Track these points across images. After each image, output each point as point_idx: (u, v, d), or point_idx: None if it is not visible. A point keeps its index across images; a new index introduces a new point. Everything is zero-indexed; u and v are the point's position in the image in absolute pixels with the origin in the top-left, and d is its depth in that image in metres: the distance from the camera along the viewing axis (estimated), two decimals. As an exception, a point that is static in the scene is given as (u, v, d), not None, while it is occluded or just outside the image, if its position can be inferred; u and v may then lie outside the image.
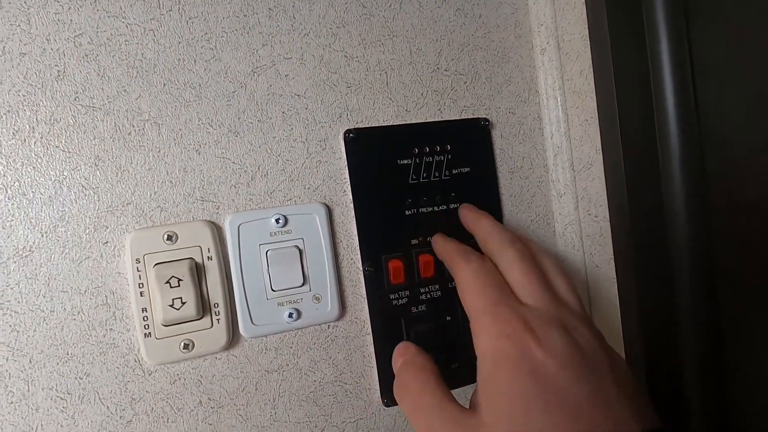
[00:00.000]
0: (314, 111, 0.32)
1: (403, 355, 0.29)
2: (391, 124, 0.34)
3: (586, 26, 0.34)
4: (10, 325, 0.27)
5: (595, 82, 0.34)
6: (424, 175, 0.34)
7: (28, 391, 0.27)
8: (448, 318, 0.34)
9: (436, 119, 0.35)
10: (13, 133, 0.27)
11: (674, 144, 0.31)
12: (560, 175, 0.37)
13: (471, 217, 0.32)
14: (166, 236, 0.28)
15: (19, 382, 0.27)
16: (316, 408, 0.32)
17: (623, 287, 0.34)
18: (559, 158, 0.37)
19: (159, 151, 0.29)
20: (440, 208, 0.34)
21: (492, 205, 0.36)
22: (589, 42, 0.34)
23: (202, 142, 0.30)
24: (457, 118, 0.36)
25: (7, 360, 0.27)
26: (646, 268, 0.32)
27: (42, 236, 0.27)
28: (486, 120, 0.36)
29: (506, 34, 0.37)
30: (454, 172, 0.35)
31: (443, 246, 0.31)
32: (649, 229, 0.32)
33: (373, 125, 0.33)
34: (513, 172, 0.37)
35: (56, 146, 0.28)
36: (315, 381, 0.32)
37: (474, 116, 0.36)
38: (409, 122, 0.34)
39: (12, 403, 0.27)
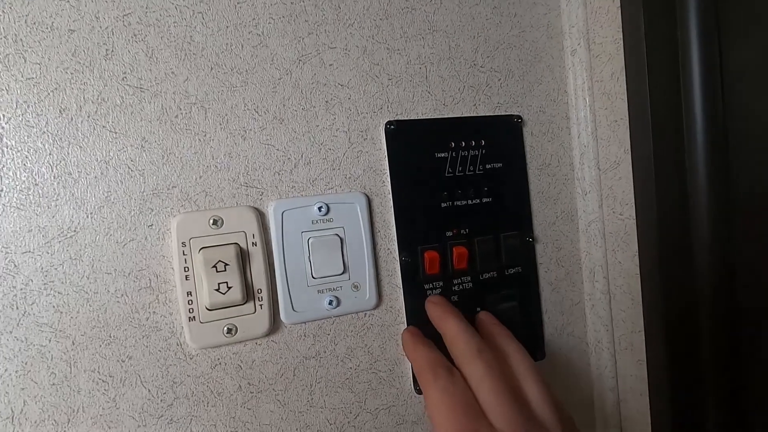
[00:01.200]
0: (356, 101, 0.32)
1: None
2: (429, 117, 0.34)
3: (620, 30, 0.35)
4: (54, 306, 0.26)
5: (627, 85, 0.35)
6: (460, 168, 0.35)
7: (71, 372, 0.27)
8: (478, 309, 0.35)
9: (472, 114, 0.36)
10: (60, 111, 0.26)
11: (701, 146, 0.33)
12: (586, 174, 0.38)
13: (437, 315, 0.31)
14: (212, 221, 0.28)
15: (61, 363, 0.26)
16: (351, 395, 0.32)
17: (647, 282, 0.35)
18: (585, 157, 0.38)
19: (205, 135, 0.29)
20: (474, 201, 0.35)
21: (522, 201, 0.37)
22: (622, 45, 0.35)
23: (248, 128, 0.30)
24: (491, 114, 0.36)
25: (49, 341, 0.26)
26: (670, 263, 0.33)
27: (87, 217, 0.27)
28: (518, 117, 0.37)
29: (539, 35, 0.38)
30: (488, 166, 0.36)
31: (412, 351, 0.31)
32: (674, 226, 0.33)
33: (412, 118, 0.34)
34: (541, 168, 0.38)
35: (103, 126, 0.27)
36: (351, 368, 0.32)
37: (507, 113, 0.37)
38: (446, 116, 0.35)
39: (54, 384, 0.26)
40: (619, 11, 0.35)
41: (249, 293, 0.29)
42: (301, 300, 0.30)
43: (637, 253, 0.36)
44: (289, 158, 0.31)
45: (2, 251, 0.25)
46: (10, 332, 0.26)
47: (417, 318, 0.33)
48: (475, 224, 0.35)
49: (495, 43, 0.37)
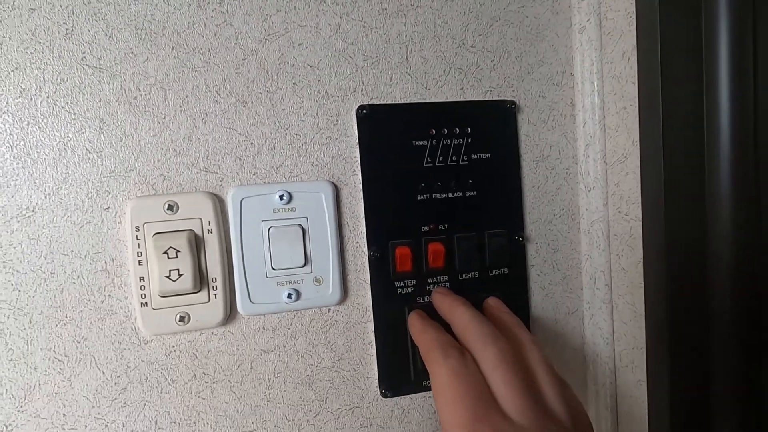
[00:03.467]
0: (327, 84, 0.30)
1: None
2: (408, 102, 0.32)
3: (633, 1, 0.30)
4: (12, 284, 0.27)
5: (638, 66, 0.30)
6: (440, 158, 0.32)
7: (27, 350, 0.27)
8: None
9: (458, 99, 0.33)
10: (20, 92, 0.26)
11: (724, 141, 0.28)
12: (590, 168, 0.34)
13: (446, 304, 0.29)
14: (166, 206, 0.28)
15: (19, 340, 0.27)
16: (312, 392, 0.31)
17: (650, 295, 0.31)
18: (590, 149, 0.34)
19: (164, 117, 0.28)
20: (455, 195, 0.32)
21: (512, 196, 0.34)
22: (635, 20, 0.30)
23: (209, 111, 0.29)
24: (481, 99, 0.33)
25: (8, 318, 0.27)
26: (678, 277, 0.29)
27: (45, 197, 0.27)
28: (512, 103, 0.33)
29: (542, 9, 0.34)
30: (473, 157, 0.33)
31: (421, 332, 0.28)
32: (686, 234, 0.29)
33: (388, 102, 0.31)
34: (538, 161, 0.34)
35: (62, 107, 0.27)
36: (312, 365, 0.31)
37: (499, 98, 0.33)
38: (428, 101, 0.32)
39: (12, 360, 0.27)
40: (634, -21, 0.30)
41: (202, 282, 0.28)
42: (259, 292, 0.29)
43: (642, 260, 0.31)
44: (251, 143, 0.29)
45: (-36, 228, 0.26)
46: (-29, 307, 0.26)
47: (386, 317, 0.31)
48: (455, 220, 0.32)
49: (489, 19, 0.33)
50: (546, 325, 0.35)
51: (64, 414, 0.28)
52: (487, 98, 0.33)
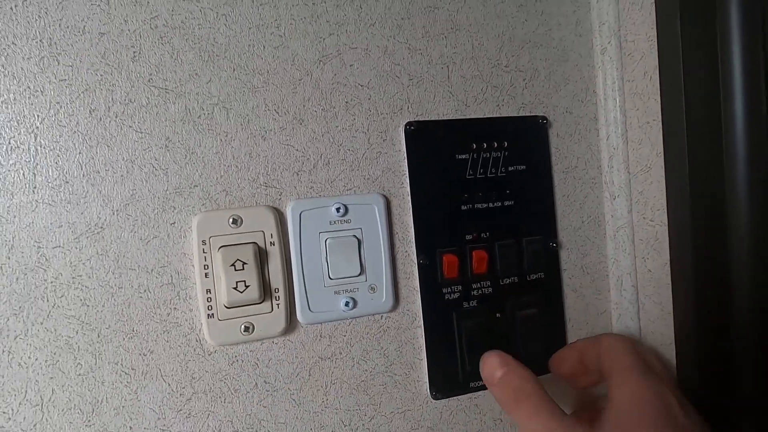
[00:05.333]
0: (376, 102, 0.32)
1: (505, 364, 0.28)
2: (450, 118, 0.34)
3: (654, 27, 0.33)
4: (81, 299, 0.27)
5: (660, 85, 0.33)
6: (481, 170, 0.34)
7: (95, 364, 0.27)
8: (498, 315, 0.34)
9: (495, 115, 0.35)
10: (90, 112, 0.27)
11: (741, 150, 0.31)
12: (615, 177, 0.37)
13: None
14: (231, 220, 0.29)
15: (87, 355, 0.27)
16: (366, 397, 0.32)
17: (678, 294, 0.33)
18: (614, 160, 0.37)
19: (226, 135, 0.29)
20: (495, 204, 0.34)
21: (546, 205, 0.36)
22: (656, 43, 0.33)
23: (268, 128, 0.30)
24: (515, 114, 0.35)
25: (76, 333, 0.27)
26: (704, 273, 0.32)
27: (113, 214, 0.28)
28: (544, 118, 0.36)
29: (567, 32, 0.37)
30: (510, 169, 0.35)
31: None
32: (710, 236, 0.31)
33: (433, 118, 0.33)
34: (567, 171, 0.37)
35: (129, 126, 0.28)
36: (366, 370, 0.32)
37: (532, 114, 0.36)
38: (468, 117, 0.34)
39: (80, 375, 0.27)
40: (653, 6, 0.33)
41: (266, 292, 0.29)
42: (318, 300, 0.30)
43: (669, 262, 0.34)
44: (308, 158, 0.31)
45: (35, 246, 0.27)
46: (41, 323, 0.27)
47: (435, 322, 0.33)
48: (496, 228, 0.34)
49: (520, 41, 0.36)
50: (578, 326, 0.37)
51: (130, 427, 0.28)
52: (521, 114, 0.36)
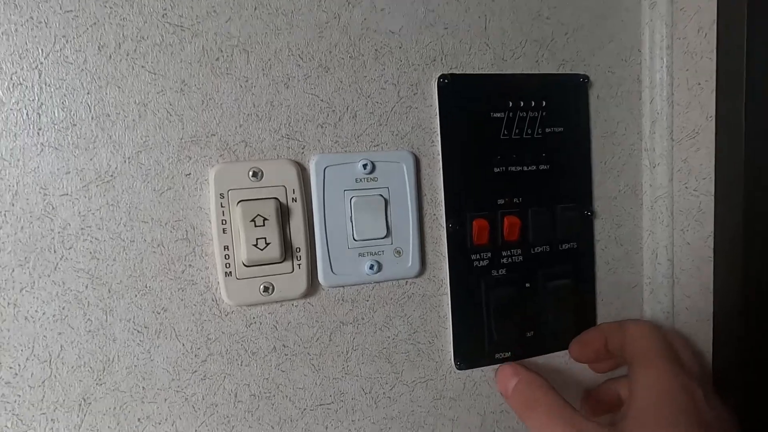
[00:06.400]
0: (408, 51, 0.30)
1: (517, 374, 0.29)
2: (486, 72, 0.31)
3: (713, -23, 0.30)
4: (90, 252, 0.25)
5: (717, 42, 0.30)
6: (516, 131, 0.32)
7: (106, 320, 0.26)
8: (527, 285, 0.32)
9: (533, 71, 0.32)
10: (99, 48, 0.25)
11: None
12: (656, 144, 0.34)
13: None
14: (251, 173, 0.27)
15: (97, 310, 0.26)
16: (388, 365, 0.31)
17: (720, 266, 0.31)
18: (657, 125, 0.34)
19: (246, 81, 0.27)
20: (530, 168, 0.32)
21: (582, 171, 0.34)
22: (716, -5, 0.30)
23: (291, 75, 0.28)
24: (555, 72, 0.33)
25: (86, 287, 0.26)
26: (753, 247, 0.30)
27: (125, 162, 0.26)
28: (585, 77, 0.33)
29: (614, -16, 0.34)
30: (548, 130, 0.32)
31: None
32: (762, 206, 0.29)
33: (468, 72, 0.31)
34: (606, 136, 0.34)
35: (142, 66, 0.26)
36: (389, 337, 0.30)
37: (572, 72, 0.33)
38: (505, 72, 0.32)
39: (90, 331, 0.26)
40: (715, -47, 0.30)
41: (287, 251, 0.27)
42: (341, 262, 0.29)
43: (713, 234, 0.32)
44: (333, 110, 0.29)
45: (41, 192, 0.25)
46: (48, 276, 0.25)
47: (462, 289, 0.31)
48: (529, 193, 0.32)
49: (564, -9, 0.33)
50: (608, 299, 0.35)
51: (143, 387, 0.27)
52: (560, 71, 0.33)
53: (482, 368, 0.32)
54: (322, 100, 0.28)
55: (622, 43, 0.34)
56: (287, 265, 0.27)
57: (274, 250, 0.26)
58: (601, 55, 0.34)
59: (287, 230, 0.27)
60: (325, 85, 0.28)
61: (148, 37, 0.26)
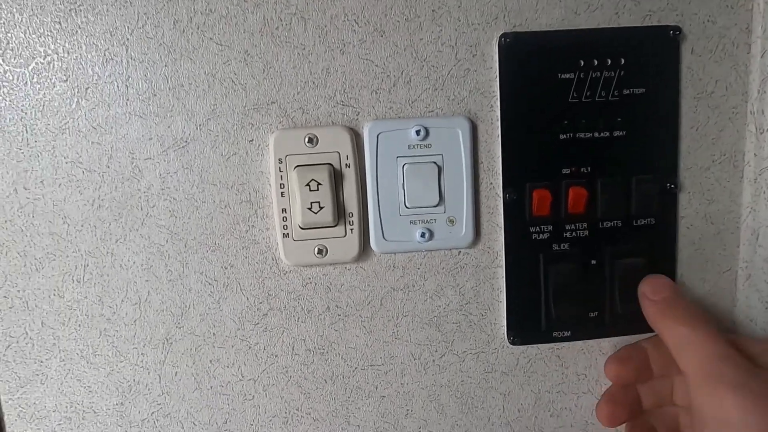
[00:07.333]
0: (467, 10, 0.28)
1: (673, 285, 0.29)
2: (555, 29, 0.29)
3: None
4: (170, 210, 0.29)
5: None
6: (588, 93, 0.29)
7: (183, 272, 0.29)
8: (593, 262, 0.30)
9: (612, 25, 0.29)
10: (174, 23, 0.27)
11: None
12: (765, 106, 0.29)
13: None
14: (307, 139, 0.28)
15: (176, 263, 0.29)
16: (438, 333, 0.31)
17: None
18: (767, 83, 0.29)
19: (304, 48, 0.28)
20: (602, 134, 0.29)
21: (667, 138, 0.30)
22: None
23: (347, 41, 0.28)
24: (639, 25, 0.29)
25: (166, 241, 0.29)
26: None
27: (197, 129, 0.28)
28: (677, 29, 0.29)
29: None
30: (625, 92, 0.29)
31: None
32: None
33: (533, 29, 0.28)
34: (700, 98, 0.30)
35: (210, 38, 0.27)
36: (439, 306, 0.30)
37: (660, 23, 0.29)
38: (577, 27, 0.29)
39: (171, 280, 0.29)
40: None
41: (340, 216, 0.28)
42: (393, 229, 0.29)
43: (835, 212, 0.27)
44: (388, 75, 0.28)
45: (129, 156, 0.28)
46: (137, 230, 0.29)
47: (518, 262, 0.30)
48: (600, 162, 0.29)
49: (655, -72, 0.28)
50: (692, 285, 0.32)
51: (214, 333, 0.30)
52: (645, 24, 0.29)
53: (538, 345, 0.31)
54: (376, 66, 0.28)
55: (728, -15, 0.29)
56: (340, 229, 0.28)
57: (328, 214, 0.27)
58: (698, 3, 0.29)
59: (340, 195, 0.28)
60: (380, 49, 0.28)
61: (215, 10, 0.27)
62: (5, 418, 0.30)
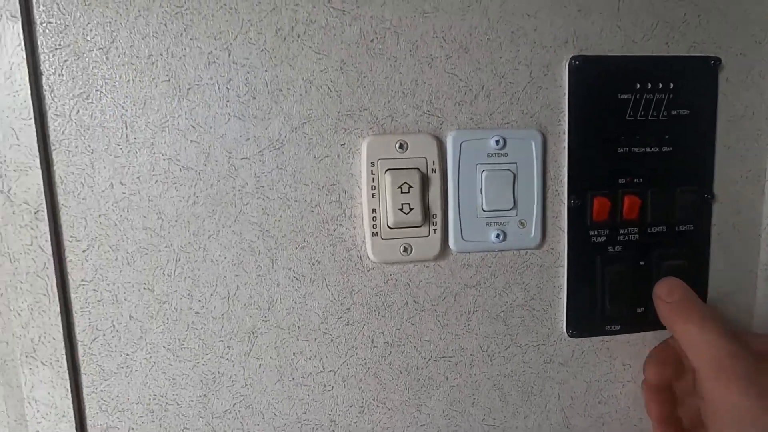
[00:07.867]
0: (542, 33, 0.31)
1: (685, 287, 0.31)
2: (615, 54, 0.32)
3: None
4: (262, 208, 0.30)
5: None
6: (642, 112, 0.32)
7: (272, 268, 0.30)
8: (642, 263, 0.34)
9: (662, 54, 0.33)
10: (276, 31, 0.29)
11: None
12: (786, 129, 0.34)
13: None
14: (398, 144, 0.30)
15: (265, 258, 0.30)
16: (504, 327, 0.33)
17: None
18: (789, 110, 0.34)
19: (396, 60, 0.30)
20: (652, 149, 0.33)
21: (705, 154, 0.34)
22: None
23: (434, 56, 0.30)
24: (684, 54, 0.33)
25: (258, 238, 0.30)
26: None
27: (292, 131, 0.30)
28: (716, 60, 0.33)
29: (754, -37, 0.33)
30: (673, 113, 0.33)
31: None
32: None
33: (597, 54, 0.32)
34: (732, 120, 0.34)
35: (309, 47, 0.29)
36: (507, 302, 0.33)
37: (703, 54, 0.33)
38: (634, 54, 0.32)
39: (259, 276, 0.30)
40: None
41: (426, 217, 0.30)
42: (470, 230, 0.31)
43: None
44: (470, 89, 0.31)
45: (226, 156, 0.29)
46: (229, 227, 0.30)
47: (578, 263, 0.33)
48: (650, 174, 0.33)
49: (700, -28, 0.32)
50: (719, 284, 0.36)
51: (298, 327, 0.31)
52: (690, 53, 0.33)
53: (591, 338, 0.34)
54: (460, 80, 0.31)
55: (756, 24, 0.34)
56: (425, 229, 0.31)
57: (417, 215, 0.30)
58: (733, 37, 0.33)
59: (426, 198, 0.30)
60: (464, 65, 0.31)
61: (315, 21, 0.29)
62: (87, 410, 0.30)
